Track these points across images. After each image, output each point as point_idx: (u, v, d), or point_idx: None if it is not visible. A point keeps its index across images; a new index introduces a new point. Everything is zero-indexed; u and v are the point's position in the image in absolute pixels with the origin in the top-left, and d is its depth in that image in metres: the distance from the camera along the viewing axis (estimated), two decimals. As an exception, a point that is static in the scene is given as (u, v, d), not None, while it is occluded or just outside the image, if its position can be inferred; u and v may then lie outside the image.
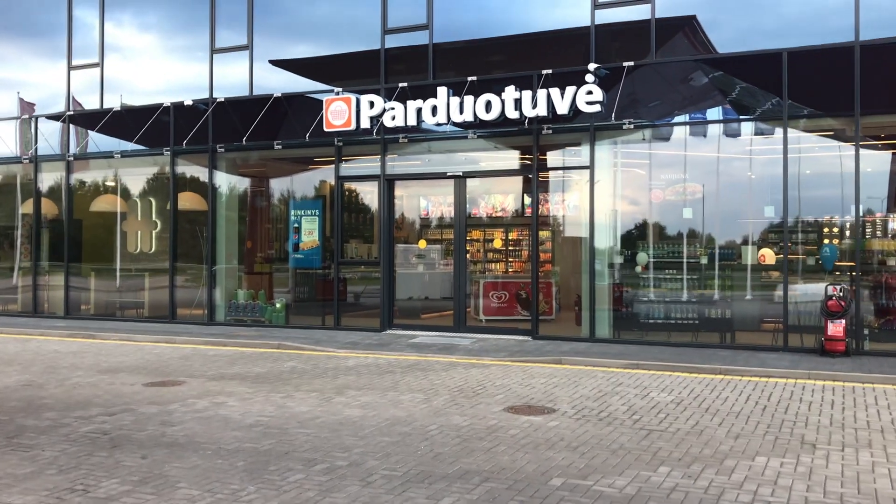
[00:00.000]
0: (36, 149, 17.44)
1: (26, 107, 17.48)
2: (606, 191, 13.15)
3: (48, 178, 17.80)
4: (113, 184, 17.53)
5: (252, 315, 15.62)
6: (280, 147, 15.01)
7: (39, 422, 7.66)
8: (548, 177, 14.04)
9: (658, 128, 13.02)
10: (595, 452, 6.50)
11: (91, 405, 8.45)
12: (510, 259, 20.58)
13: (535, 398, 8.77)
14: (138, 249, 17.27)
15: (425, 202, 16.69)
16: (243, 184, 17.14)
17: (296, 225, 15.53)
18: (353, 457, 6.35)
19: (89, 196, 17.72)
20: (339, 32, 15.67)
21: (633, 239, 13.21)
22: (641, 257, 12.91)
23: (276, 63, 16.08)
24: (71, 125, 17.32)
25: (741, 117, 12.50)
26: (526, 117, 12.88)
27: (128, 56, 17.34)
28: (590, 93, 12.42)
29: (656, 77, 12.94)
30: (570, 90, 12.55)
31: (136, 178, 17.40)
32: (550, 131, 13.13)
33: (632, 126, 12.59)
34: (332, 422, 7.62)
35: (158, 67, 17.11)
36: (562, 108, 12.62)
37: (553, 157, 13.91)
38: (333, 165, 14.94)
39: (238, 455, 6.42)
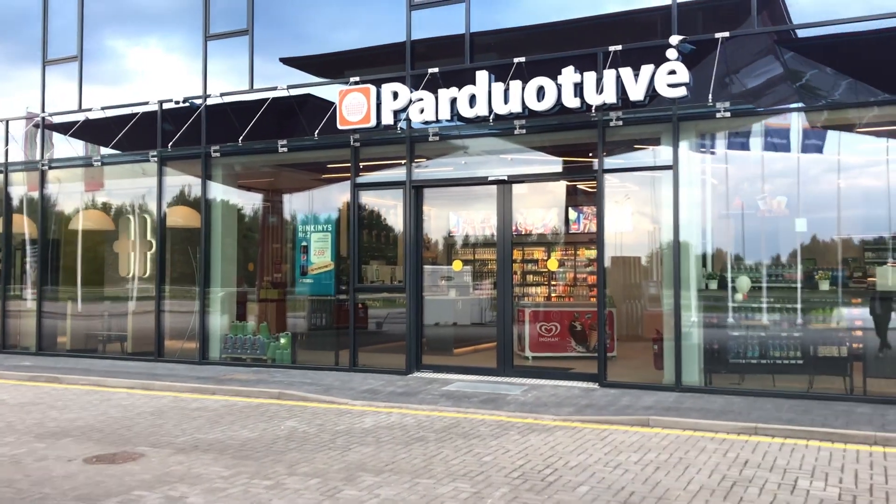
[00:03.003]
0: (7, 154, 15.01)
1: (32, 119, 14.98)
2: (693, 198, 10.36)
3: (20, 190, 15.36)
4: (96, 197, 15.03)
5: (252, 352, 12.96)
6: (285, 150, 12.41)
7: None
8: (611, 181, 11.25)
9: (763, 117, 10.20)
10: None
11: (-13, 505, 5.83)
12: (553, 283, 17.89)
13: (636, 491, 5.99)
14: (131, 273, 14.73)
15: (455, 217, 14.06)
16: (243, 195, 14.56)
17: (304, 244, 12.89)
18: None
19: (68, 211, 15.24)
20: (358, 18, 13.11)
21: (729, 259, 10.40)
22: (743, 282, 10.07)
23: (287, 61, 13.53)
24: (48, 130, 14.88)
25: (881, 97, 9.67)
26: (590, 105, 10.18)
27: (110, 49, 14.92)
28: (672, 72, 9.70)
29: (758, 52, 10.19)
30: (646, 70, 9.85)
31: (124, 190, 14.87)
32: (621, 123, 10.40)
33: (728, 114, 9.82)
34: (336, 546, 4.90)
35: (146, 60, 14.66)
36: (636, 92, 9.92)
37: (622, 157, 11.14)
38: (349, 171, 12.31)
39: None
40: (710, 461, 6.90)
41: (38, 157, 14.71)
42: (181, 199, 14.10)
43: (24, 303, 15.24)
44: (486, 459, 6.99)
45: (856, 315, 9.75)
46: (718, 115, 9.86)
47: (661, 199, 10.65)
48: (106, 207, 14.99)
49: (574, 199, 14.23)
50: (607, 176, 10.72)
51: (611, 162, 10.84)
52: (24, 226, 15.39)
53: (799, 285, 9.98)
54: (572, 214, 14.51)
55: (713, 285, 10.28)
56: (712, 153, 10.57)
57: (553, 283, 17.71)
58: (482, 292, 16.13)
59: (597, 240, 10.72)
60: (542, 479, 6.33)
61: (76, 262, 15.26)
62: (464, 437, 7.91)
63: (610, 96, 10.05)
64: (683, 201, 10.20)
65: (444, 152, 12.11)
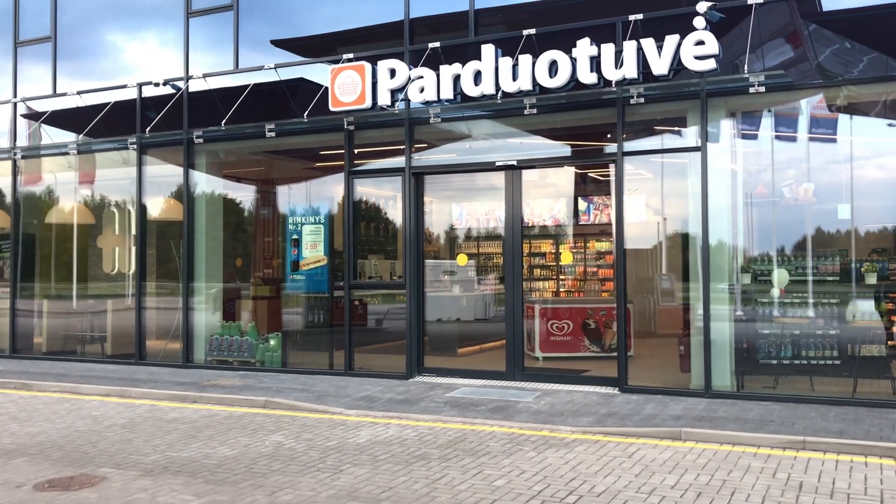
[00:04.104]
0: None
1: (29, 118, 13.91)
2: (723, 183, 9.37)
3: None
4: (75, 189, 14.04)
5: (239, 354, 11.98)
6: (273, 135, 11.39)
7: None
8: (630, 166, 10.24)
9: (803, 92, 9.19)
10: None
11: None
12: (562, 277, 16.92)
13: (679, 529, 5.02)
14: (115, 269, 13.76)
15: (458, 208, 13.09)
16: (229, 186, 13.57)
17: (295, 236, 11.90)
18: None
19: (45, 202, 14.25)
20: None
21: (764, 250, 9.41)
22: (781, 276, 9.07)
23: (279, 44, 12.50)
24: (21, 117, 13.88)
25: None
26: (608, 80, 9.18)
27: (87, 29, 13.91)
28: (700, 43, 8.69)
29: (797, 21, 9.18)
30: (670, 41, 8.84)
31: (106, 181, 13.87)
32: (642, 100, 9.39)
33: (762, 89, 8.81)
34: None
35: (125, 42, 13.67)
36: (659, 66, 8.91)
37: (643, 138, 10.14)
38: (343, 158, 11.31)
39: None
40: (759, 485, 5.92)
41: (8, 146, 13.68)
42: (163, 190, 13.11)
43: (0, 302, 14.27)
44: (498, 484, 6.02)
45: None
46: (752, 89, 8.85)
47: (685, 185, 9.67)
48: (86, 199, 14.01)
49: (584, 188, 13.27)
50: (627, 159, 9.70)
51: (631, 144, 9.82)
52: (5, 220, 14.41)
53: (853, 278, 8.98)
54: (582, 205, 13.53)
55: (746, 279, 9.29)
56: (744, 133, 9.56)
57: (562, 277, 16.75)
58: (487, 288, 15.17)
59: (615, 229, 9.70)
60: (566, 511, 5.37)
61: (53, 257, 14.31)
62: (472, 454, 6.94)
63: (630, 70, 9.05)
64: (713, 187, 9.20)
65: (447, 136, 11.11)
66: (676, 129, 9.76)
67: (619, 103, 9.53)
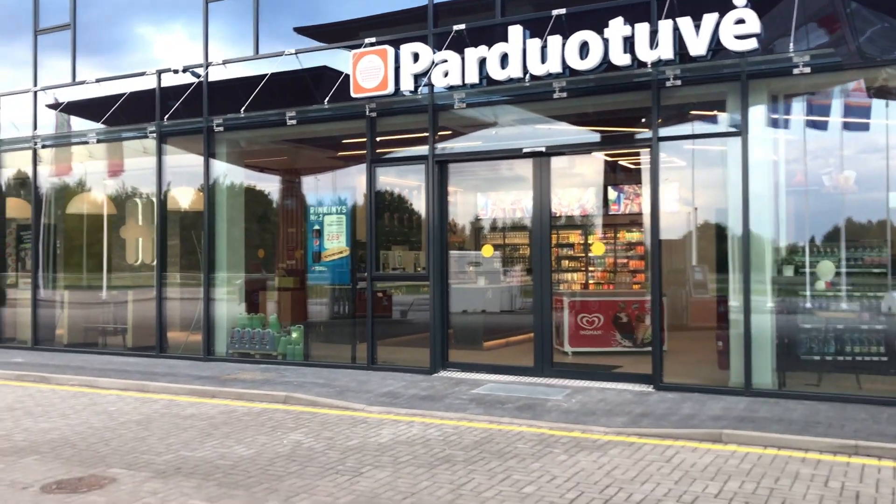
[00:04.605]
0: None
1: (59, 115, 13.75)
2: (764, 171, 8.86)
3: (9, 172, 14.23)
4: (94, 178, 13.86)
5: (260, 347, 11.71)
6: (294, 122, 11.06)
7: None
8: (664, 153, 9.75)
9: (849, 73, 8.65)
10: None
11: None
12: (590, 269, 16.45)
13: (726, 545, 4.61)
14: (139, 260, 13.57)
15: (483, 198, 12.70)
16: (251, 175, 13.29)
17: (316, 227, 11.57)
18: None
19: (66, 193, 14.08)
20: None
21: (806, 240, 8.89)
22: (825, 267, 8.57)
23: (302, 31, 12.15)
24: (46, 107, 13.67)
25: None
26: (642, 62, 8.71)
27: (107, 19, 13.66)
28: (740, 21, 8.19)
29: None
30: (709, 19, 8.35)
31: (129, 172, 13.65)
32: (679, 83, 8.91)
33: (808, 70, 8.29)
34: None
35: (145, 30, 13.42)
36: (697, 46, 8.43)
37: (679, 122, 9.65)
38: (365, 146, 10.94)
39: None
40: (811, 495, 5.48)
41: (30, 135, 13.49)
42: (185, 180, 12.86)
43: (22, 293, 14.15)
44: (527, 491, 5.64)
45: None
46: (796, 71, 8.33)
47: (719, 174, 9.19)
48: (108, 190, 13.81)
49: (613, 177, 12.79)
50: (661, 145, 9.21)
51: (667, 129, 9.34)
52: (18, 209, 14.28)
53: (890, 271, 8.46)
54: (612, 194, 13.04)
55: (788, 271, 8.79)
56: (786, 118, 9.04)
57: (590, 269, 16.30)
58: (513, 280, 14.80)
59: (650, 219, 9.23)
60: (601, 523, 4.97)
61: (75, 248, 14.16)
62: (499, 456, 6.57)
63: (666, 51, 8.57)
64: (754, 174, 8.70)
65: (472, 123, 10.71)
66: (715, 113, 9.26)
67: (654, 86, 9.05)
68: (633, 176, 12.26)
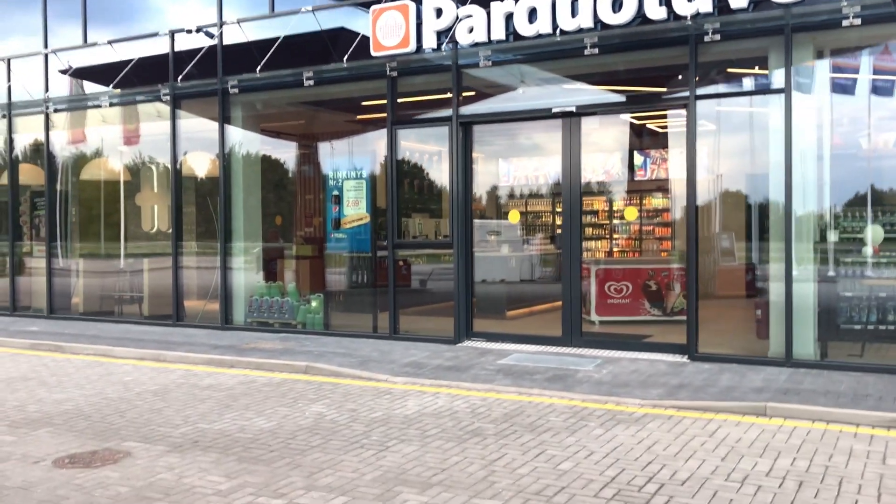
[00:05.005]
0: (10, 95, 13.51)
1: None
2: (807, 131, 8.37)
3: (22, 137, 13.93)
4: (108, 143, 13.54)
5: (279, 316, 11.43)
6: (311, 83, 10.65)
7: None
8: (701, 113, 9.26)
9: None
10: None
11: None
12: (615, 236, 16.05)
13: (785, 528, 4.26)
14: (155, 228, 13.30)
15: (506, 165, 12.30)
16: (267, 141, 12.92)
17: (336, 192, 11.21)
18: None
19: (80, 159, 13.78)
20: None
21: (854, 205, 8.42)
22: (875, 233, 8.10)
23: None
24: (55, 72, 13.32)
25: None
26: (679, 15, 8.21)
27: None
28: (786, -31, 7.67)
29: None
30: (752, -32, 7.84)
31: (140, 137, 13.33)
32: (718, 37, 8.40)
33: (858, 21, 7.77)
34: None
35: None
36: (738, -3, 7.92)
37: (718, 81, 9.15)
38: (385, 109, 10.51)
39: None
40: (869, 473, 5.11)
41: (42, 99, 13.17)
42: (200, 146, 12.51)
43: (37, 261, 13.93)
44: (564, 467, 5.31)
45: None
46: (846, 23, 7.81)
47: (760, 135, 8.71)
48: (122, 156, 13.49)
49: (639, 141, 12.32)
50: (699, 104, 8.72)
51: (705, 87, 8.85)
52: (31, 176, 14.01)
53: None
54: (638, 159, 12.60)
55: (833, 237, 8.34)
56: (833, 75, 8.51)
57: (615, 236, 15.89)
58: (536, 248, 14.45)
59: (687, 182, 8.74)
60: (644, 501, 4.63)
61: (89, 215, 13.90)
62: (531, 430, 6.24)
63: (704, 3, 8.07)
64: (797, 135, 8.22)
65: (498, 82, 10.24)
66: (756, 70, 8.74)
67: (692, 41, 8.54)
68: (661, 140, 11.80)
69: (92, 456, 5.77)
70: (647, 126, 12.13)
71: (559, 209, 14.74)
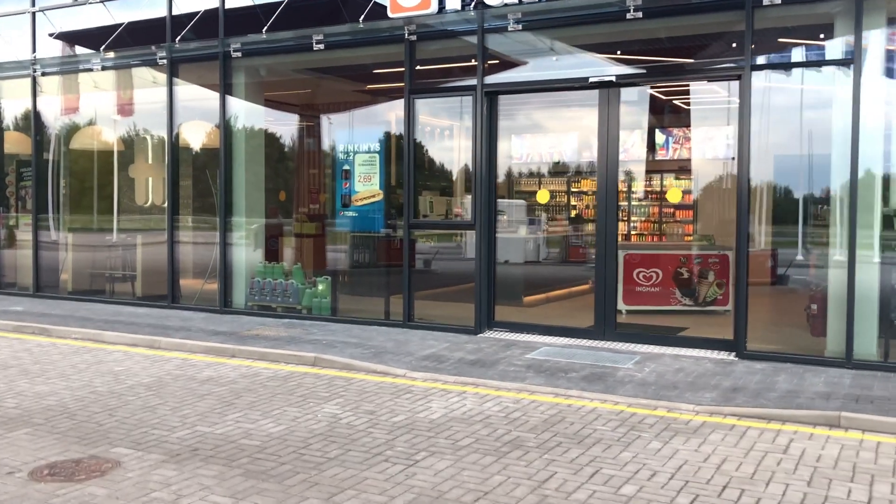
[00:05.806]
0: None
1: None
2: (877, 106, 7.54)
3: (7, 103, 13.02)
4: (101, 111, 12.63)
5: (283, 300, 10.62)
6: (321, 46, 9.76)
7: None
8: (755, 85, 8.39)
9: None
10: None
11: None
12: (633, 218, 15.29)
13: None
14: (150, 202, 12.42)
15: (520, 143, 11.43)
16: (271, 112, 12.02)
17: (346, 167, 10.36)
18: None
19: (70, 127, 12.87)
20: None
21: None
22: (952, 221, 7.33)
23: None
24: (45, 35, 12.37)
25: None
26: (738, -25, 7.35)
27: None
28: (863, -76, 6.80)
29: None
30: (823, -78, 6.97)
31: (134, 104, 12.42)
32: (778, 0, 7.54)
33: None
34: None
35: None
36: (806, -45, 7.06)
37: (772, 52, 8.29)
38: (402, 77, 9.62)
39: None
40: None
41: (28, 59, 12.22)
42: (199, 115, 11.62)
43: (23, 234, 13.08)
44: (626, 491, 4.54)
45: None
46: (927, -15, 6.96)
47: (823, 109, 7.89)
48: (116, 124, 12.59)
49: (660, 119, 11.48)
50: (755, 74, 7.87)
51: (762, 56, 7.99)
52: (17, 144, 13.11)
53: None
54: (659, 137, 11.75)
55: (900, 223, 7.55)
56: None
57: (634, 219, 15.12)
58: (563, 228, 13.74)
59: (739, 159, 7.91)
60: (738, 544, 3.87)
61: (79, 187, 13.02)
62: (578, 442, 5.46)
63: (765, -38, 7.21)
64: (866, 109, 7.39)
65: (527, 49, 9.36)
66: (821, 38, 7.89)
67: (749, 5, 7.67)
68: (683, 118, 10.99)
69: (76, 466, 4.99)
70: (674, 101, 11.31)
71: (585, 189, 13.92)
